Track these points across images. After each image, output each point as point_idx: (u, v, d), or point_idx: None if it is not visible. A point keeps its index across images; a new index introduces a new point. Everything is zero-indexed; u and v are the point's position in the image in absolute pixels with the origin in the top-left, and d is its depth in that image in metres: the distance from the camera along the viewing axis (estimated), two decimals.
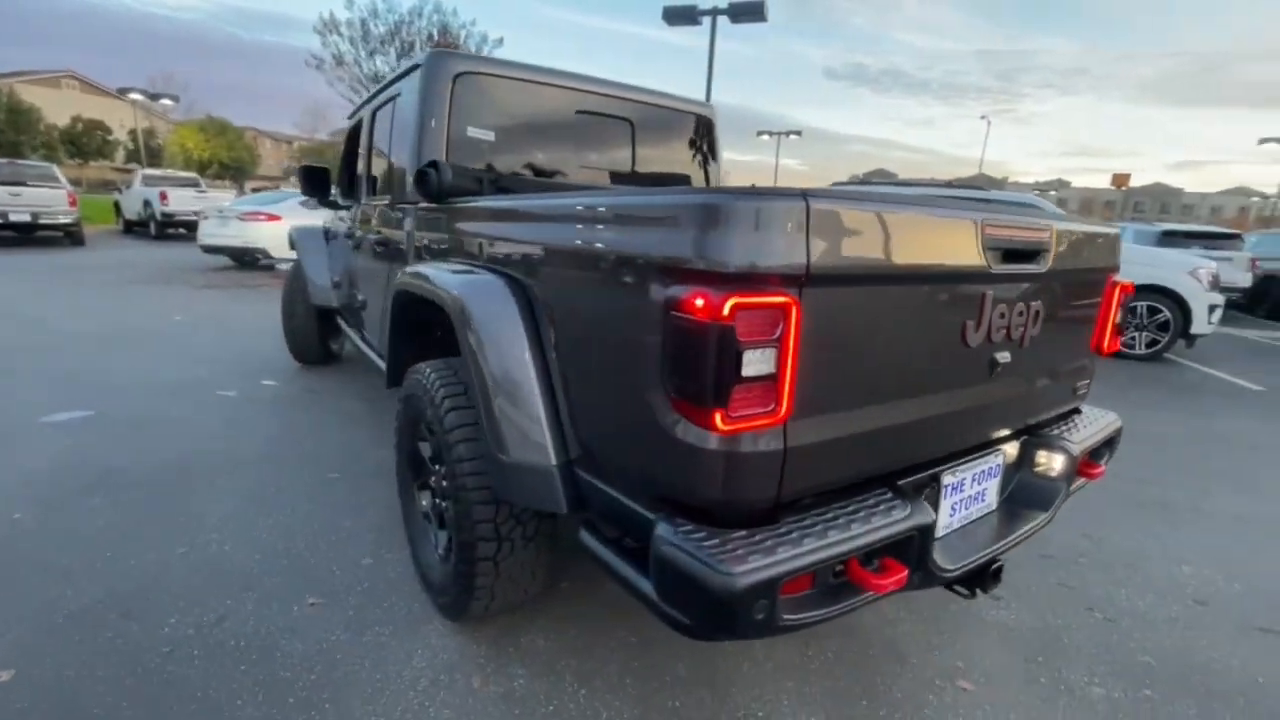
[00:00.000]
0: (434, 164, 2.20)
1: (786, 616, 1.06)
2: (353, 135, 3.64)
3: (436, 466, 2.02)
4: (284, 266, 9.67)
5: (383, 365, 2.99)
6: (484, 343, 1.57)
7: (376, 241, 2.89)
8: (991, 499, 1.64)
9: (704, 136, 3.26)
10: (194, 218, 15.06)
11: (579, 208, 1.48)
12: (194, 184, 17.01)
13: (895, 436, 1.31)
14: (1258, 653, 2.10)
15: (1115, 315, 1.87)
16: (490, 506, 1.68)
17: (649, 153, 3.05)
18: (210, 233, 10.12)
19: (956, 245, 1.27)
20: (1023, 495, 1.72)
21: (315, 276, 4.26)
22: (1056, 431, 1.80)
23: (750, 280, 1.00)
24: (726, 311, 0.96)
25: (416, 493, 2.20)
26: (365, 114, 3.28)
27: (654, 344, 1.11)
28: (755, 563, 1.00)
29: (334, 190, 3.90)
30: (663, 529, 1.11)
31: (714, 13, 13.33)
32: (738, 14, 13.20)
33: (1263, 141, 27.73)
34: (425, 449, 2.10)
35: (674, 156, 3.18)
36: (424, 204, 2.37)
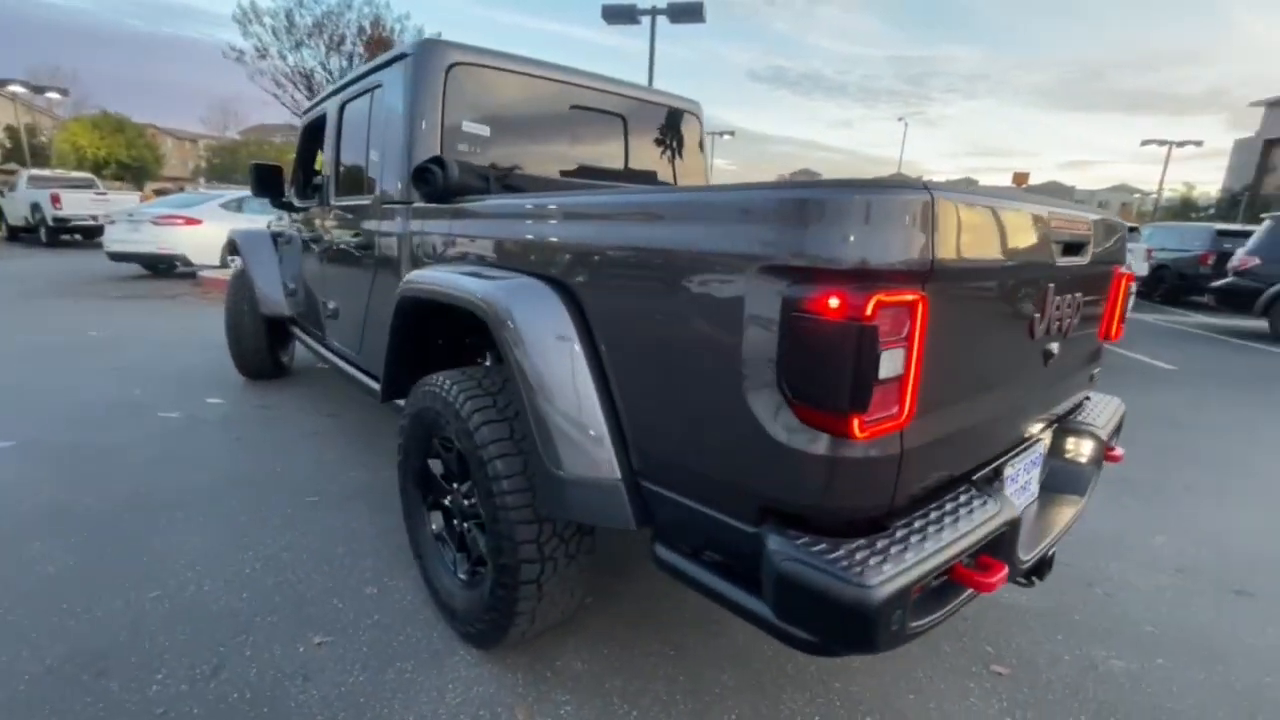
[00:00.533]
0: (439, 161, 2.04)
1: (912, 624, 1.03)
2: (311, 131, 3.37)
3: (455, 485, 1.88)
4: (207, 273, 8.97)
5: (361, 377, 2.79)
6: (531, 351, 1.46)
7: (357, 245, 2.67)
8: (1035, 488, 1.68)
9: (693, 133, 3.22)
10: (92, 222, 13.81)
11: (646, 205, 1.39)
12: (89, 185, 15.56)
13: (978, 432, 1.31)
14: (1241, 615, 2.26)
15: (1123, 304, 1.96)
16: (533, 526, 1.57)
17: (641, 149, 2.98)
18: (119, 239, 9.25)
19: (1036, 239, 1.28)
20: (1056, 482, 1.77)
21: (265, 284, 3.95)
22: (1079, 418, 1.86)
23: (883, 277, 0.95)
24: (869, 310, 0.91)
25: (427, 514, 2.05)
26: (330, 107, 3.03)
27: (764, 347, 1.05)
28: (889, 571, 0.96)
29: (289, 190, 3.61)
30: (776, 543, 1.04)
31: (653, 13, 13.37)
32: (677, 15, 13.30)
33: (1145, 143, 30.66)
34: (437, 466, 1.95)
35: (667, 153, 3.12)
36: (420, 204, 2.21)
